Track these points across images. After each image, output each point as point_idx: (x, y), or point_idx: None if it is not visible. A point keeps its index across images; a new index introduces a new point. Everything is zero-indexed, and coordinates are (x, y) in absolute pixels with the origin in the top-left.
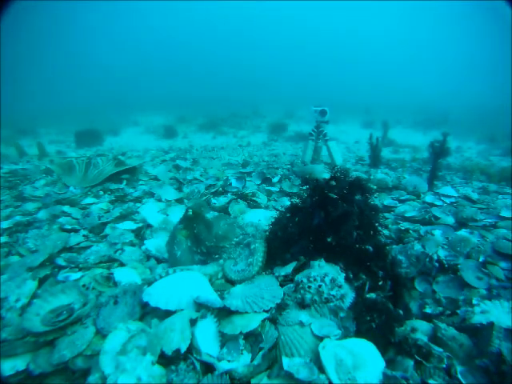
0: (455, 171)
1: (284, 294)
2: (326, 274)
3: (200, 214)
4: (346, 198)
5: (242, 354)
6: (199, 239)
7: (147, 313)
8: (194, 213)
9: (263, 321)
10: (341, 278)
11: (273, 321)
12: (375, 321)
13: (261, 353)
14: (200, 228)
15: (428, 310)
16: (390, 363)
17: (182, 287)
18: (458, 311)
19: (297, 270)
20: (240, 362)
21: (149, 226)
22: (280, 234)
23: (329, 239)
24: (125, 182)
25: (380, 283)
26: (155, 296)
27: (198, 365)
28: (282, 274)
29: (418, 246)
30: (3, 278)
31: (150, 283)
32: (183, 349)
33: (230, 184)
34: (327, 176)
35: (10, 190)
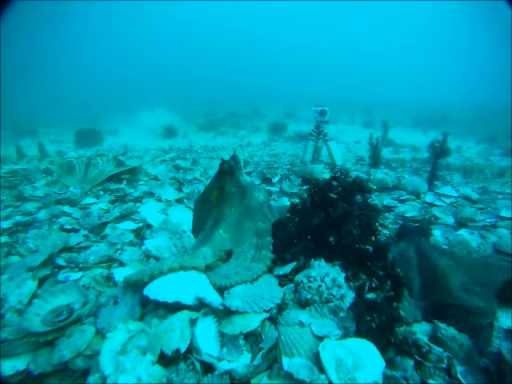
0: (455, 171)
1: (284, 294)
2: (325, 273)
3: (235, 173)
4: (346, 198)
5: (242, 354)
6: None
7: (147, 313)
8: (230, 168)
9: (263, 321)
10: (341, 277)
11: (273, 321)
12: (375, 321)
13: (261, 353)
14: (232, 190)
15: None
16: (389, 363)
17: (183, 284)
18: None
19: (297, 270)
20: (240, 362)
21: (149, 226)
22: (280, 233)
23: (330, 239)
24: (125, 181)
25: (380, 283)
26: (154, 290)
27: (198, 365)
28: (281, 273)
29: None
30: (3, 278)
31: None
32: (183, 349)
33: None
34: (327, 176)
35: (10, 190)
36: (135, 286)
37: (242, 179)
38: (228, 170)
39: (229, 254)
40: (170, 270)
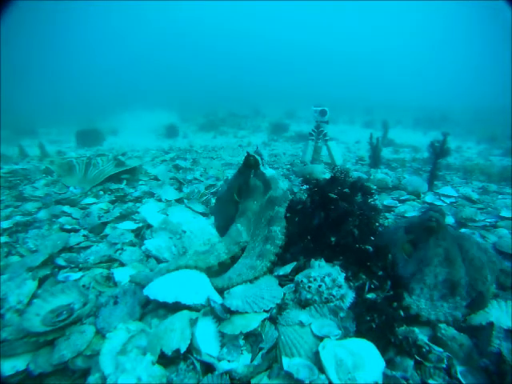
0: (455, 171)
1: (284, 294)
2: (325, 274)
3: (259, 166)
4: (346, 198)
5: (242, 354)
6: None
7: (147, 313)
8: (256, 161)
9: (263, 321)
10: (341, 278)
11: (273, 321)
12: (375, 321)
13: (261, 353)
14: (256, 183)
15: None
16: (389, 363)
17: (183, 285)
18: None
19: (297, 270)
20: (240, 362)
21: (149, 226)
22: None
23: (332, 239)
24: (125, 181)
25: (380, 283)
26: (154, 290)
27: (198, 365)
28: (281, 273)
29: None
30: (3, 278)
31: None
32: (183, 349)
33: None
34: (327, 176)
35: (10, 190)
36: (139, 285)
37: (266, 172)
38: (254, 163)
39: (243, 249)
40: (187, 267)
